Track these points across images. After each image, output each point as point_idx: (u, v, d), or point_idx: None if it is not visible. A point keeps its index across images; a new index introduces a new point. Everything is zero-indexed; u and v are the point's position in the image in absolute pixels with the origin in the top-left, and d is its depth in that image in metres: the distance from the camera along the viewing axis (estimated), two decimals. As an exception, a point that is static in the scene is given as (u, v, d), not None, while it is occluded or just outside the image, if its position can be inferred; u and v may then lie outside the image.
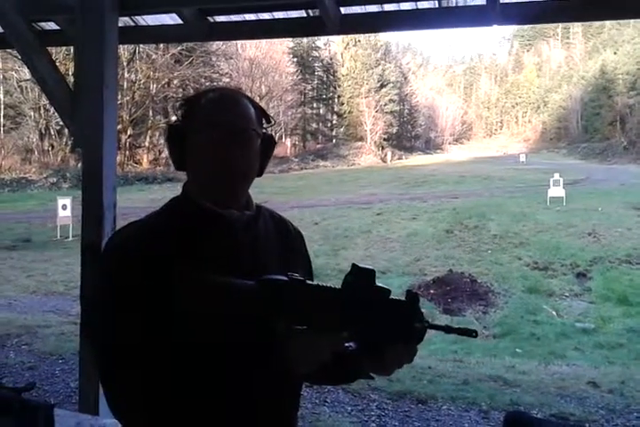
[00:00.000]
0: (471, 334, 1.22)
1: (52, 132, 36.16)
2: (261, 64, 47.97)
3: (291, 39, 58.13)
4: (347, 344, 1.24)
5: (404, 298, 1.22)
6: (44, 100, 34.11)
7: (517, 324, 10.05)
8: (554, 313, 10.68)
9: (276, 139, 1.48)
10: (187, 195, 1.38)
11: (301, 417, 4.61)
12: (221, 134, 1.30)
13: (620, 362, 7.63)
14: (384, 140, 63.92)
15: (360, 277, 1.19)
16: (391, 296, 1.21)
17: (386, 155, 59.32)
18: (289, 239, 1.51)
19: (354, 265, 1.20)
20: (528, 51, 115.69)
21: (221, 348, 1.18)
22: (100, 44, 3.19)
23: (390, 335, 1.20)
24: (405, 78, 76.98)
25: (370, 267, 1.19)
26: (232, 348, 1.18)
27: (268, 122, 1.43)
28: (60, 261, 13.57)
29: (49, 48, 3.90)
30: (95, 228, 3.36)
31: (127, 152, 37.77)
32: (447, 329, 1.22)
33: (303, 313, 1.17)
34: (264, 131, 1.41)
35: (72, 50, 3.37)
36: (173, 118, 1.43)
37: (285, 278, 1.19)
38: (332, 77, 66.36)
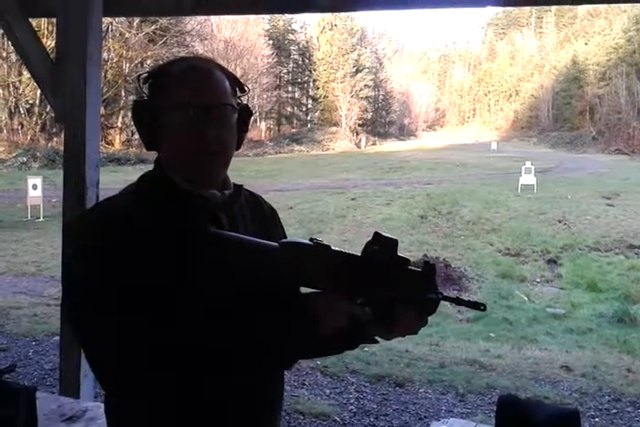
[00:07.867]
0: (479, 307, 1.26)
1: (22, 111, 35.30)
2: (237, 46, 47.34)
3: (267, 21, 57.74)
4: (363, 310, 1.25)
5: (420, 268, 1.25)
6: (14, 78, 33.26)
7: (490, 308, 10.13)
8: (525, 298, 10.81)
9: (251, 123, 1.43)
10: (162, 172, 1.31)
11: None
12: (197, 113, 1.22)
13: (590, 347, 7.77)
14: (359, 125, 63.82)
15: (382, 246, 1.21)
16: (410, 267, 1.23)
17: (360, 140, 59.30)
18: (263, 215, 1.47)
19: (376, 233, 1.22)
20: (501, 39, 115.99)
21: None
22: (84, 15, 3.06)
23: (404, 303, 1.23)
24: (381, 64, 76.75)
25: (393, 237, 1.22)
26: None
27: (242, 91, 1.36)
28: (31, 241, 13.31)
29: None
30: (77, 206, 3.27)
31: (98, 132, 37.14)
32: (457, 301, 1.26)
33: (323, 277, 1.19)
34: (239, 102, 1.34)
35: (55, 21, 3.25)
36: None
37: (310, 242, 1.20)
38: (307, 61, 65.87)
